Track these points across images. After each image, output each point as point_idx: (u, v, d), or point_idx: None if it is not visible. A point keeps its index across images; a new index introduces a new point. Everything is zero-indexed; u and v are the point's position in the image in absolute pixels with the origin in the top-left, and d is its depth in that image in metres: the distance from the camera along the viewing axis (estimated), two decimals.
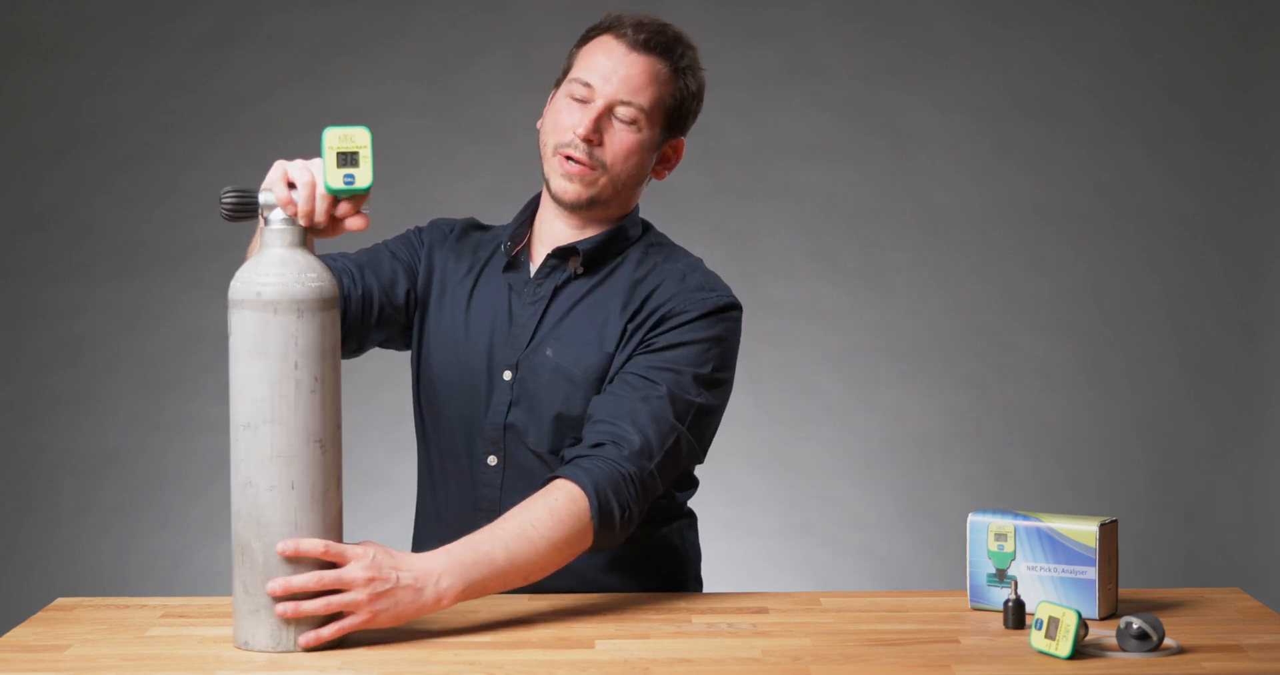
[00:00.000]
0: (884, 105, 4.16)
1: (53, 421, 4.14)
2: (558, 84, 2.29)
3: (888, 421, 4.18)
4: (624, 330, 2.22)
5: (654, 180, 2.30)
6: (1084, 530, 2.01)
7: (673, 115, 2.25)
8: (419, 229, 2.38)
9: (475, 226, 2.38)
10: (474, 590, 1.98)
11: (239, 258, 1.98)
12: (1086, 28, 4.13)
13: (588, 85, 2.21)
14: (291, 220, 1.93)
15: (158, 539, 4.13)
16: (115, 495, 4.14)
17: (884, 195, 4.17)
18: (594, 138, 2.20)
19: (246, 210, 1.92)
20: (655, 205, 4.17)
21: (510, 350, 2.25)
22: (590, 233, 2.27)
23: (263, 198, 1.92)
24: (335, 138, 1.91)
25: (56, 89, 4.11)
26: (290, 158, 1.97)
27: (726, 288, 2.27)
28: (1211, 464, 4.15)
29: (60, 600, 2.15)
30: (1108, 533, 2.02)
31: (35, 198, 4.13)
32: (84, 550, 4.13)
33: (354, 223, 1.97)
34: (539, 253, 2.29)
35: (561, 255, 2.26)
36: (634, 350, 2.20)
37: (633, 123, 2.21)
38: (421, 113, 4.14)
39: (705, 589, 2.43)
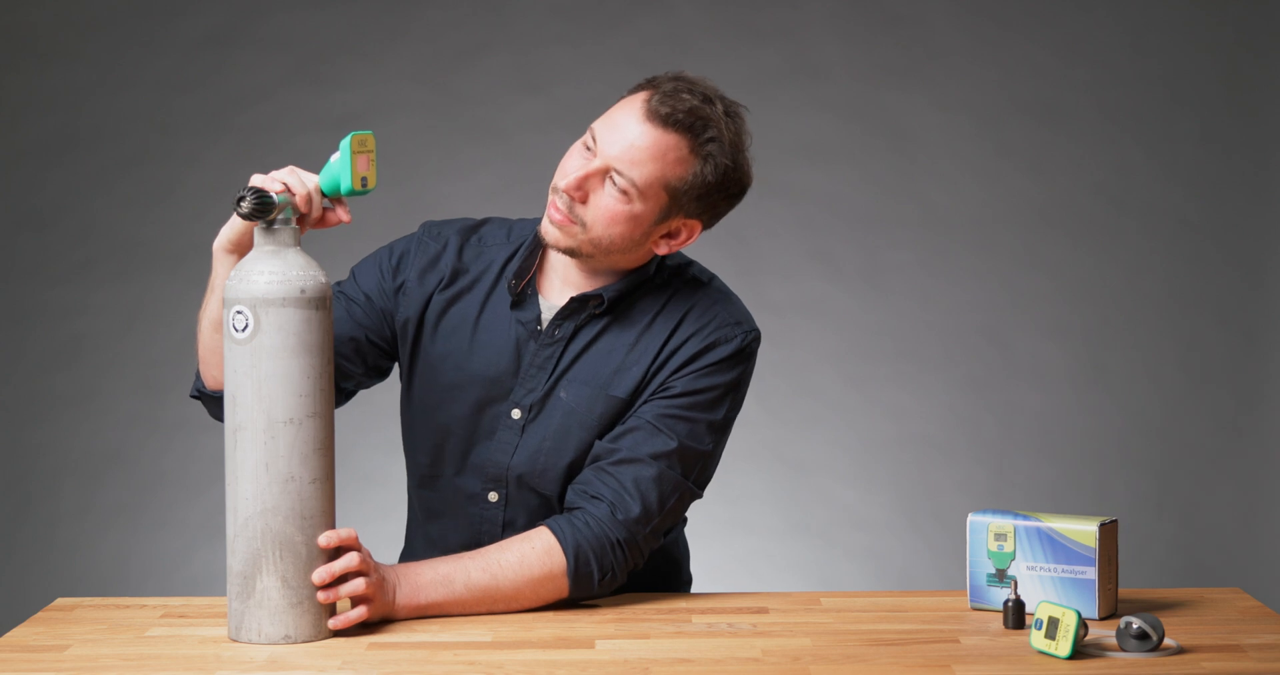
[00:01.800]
0: (884, 105, 4.16)
1: (53, 421, 4.14)
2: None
3: (888, 421, 4.18)
4: (645, 374, 2.17)
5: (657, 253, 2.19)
6: (1084, 530, 2.01)
7: (678, 195, 2.11)
8: (398, 251, 2.28)
9: (469, 231, 2.28)
10: (425, 610, 2.05)
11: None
12: (1086, 28, 4.13)
13: (595, 139, 2.11)
14: (289, 221, 1.95)
15: (158, 539, 4.13)
16: (115, 495, 4.14)
17: (884, 195, 4.17)
18: (575, 195, 2.10)
19: (266, 209, 1.93)
20: None
21: (523, 390, 2.20)
22: (598, 275, 2.19)
23: (278, 198, 1.94)
24: (356, 142, 1.97)
25: (56, 89, 4.11)
26: (290, 158, 2.00)
27: (748, 317, 2.22)
28: (1211, 464, 4.15)
29: (60, 600, 2.15)
30: (1108, 533, 2.02)
31: (35, 198, 4.13)
32: (84, 550, 4.13)
33: (343, 215, 2.03)
34: (549, 286, 2.22)
35: (582, 299, 2.19)
36: (654, 392, 2.16)
37: (623, 193, 2.09)
38: (421, 113, 4.14)
39: (704, 589, 2.43)
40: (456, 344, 2.22)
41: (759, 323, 2.26)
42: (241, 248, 2.04)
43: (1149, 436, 4.15)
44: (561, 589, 2.09)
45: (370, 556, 2.01)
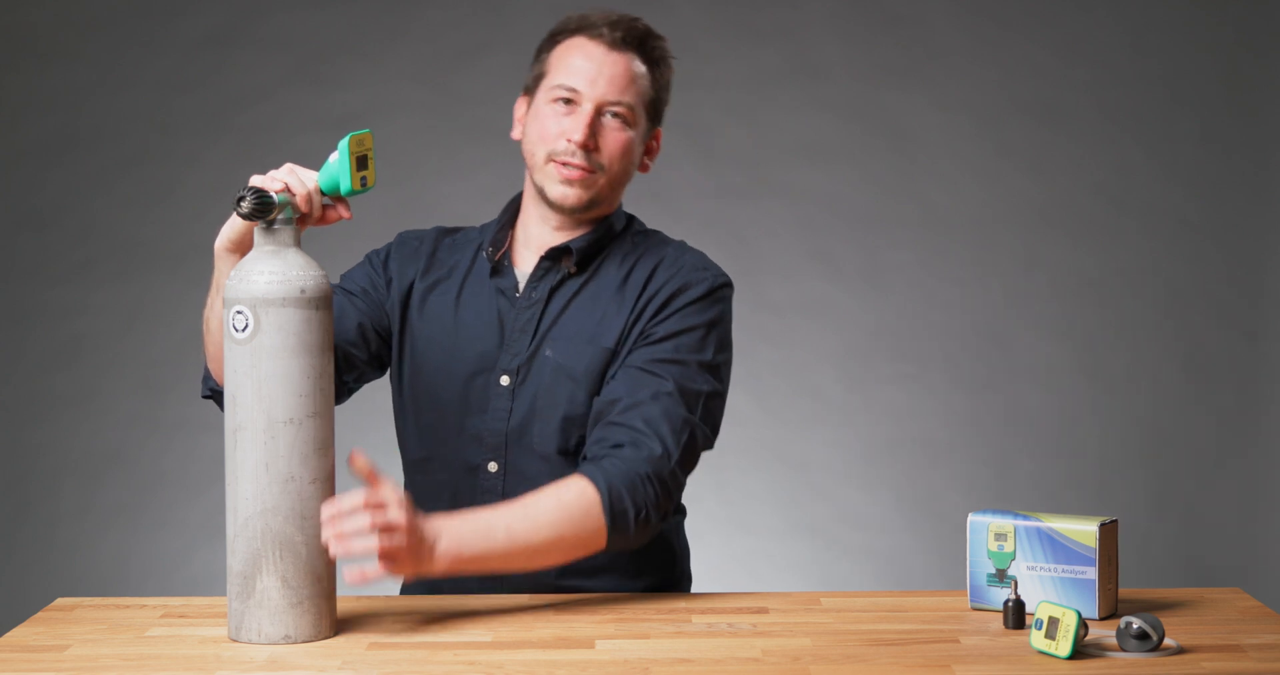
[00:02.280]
0: (884, 105, 4.16)
1: (53, 421, 4.14)
2: (527, 91, 2.29)
3: (888, 421, 4.18)
4: (625, 325, 2.22)
5: (639, 174, 2.30)
6: (1084, 530, 2.01)
7: (653, 108, 2.28)
8: (384, 251, 2.36)
9: (445, 233, 2.37)
10: (468, 563, 2.00)
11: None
12: (1086, 28, 4.13)
13: (572, 90, 2.22)
14: (290, 220, 1.95)
15: (158, 539, 4.13)
16: (115, 495, 4.14)
17: (884, 195, 4.17)
18: (591, 143, 2.20)
19: (267, 209, 1.93)
20: (655, 205, 4.18)
21: (509, 355, 2.24)
22: (574, 233, 2.27)
23: (278, 198, 1.94)
24: (354, 143, 1.98)
25: (56, 89, 4.12)
26: (290, 158, 2.00)
27: (716, 266, 2.29)
28: (1211, 464, 4.15)
29: (60, 600, 2.15)
30: (1108, 533, 2.02)
31: (35, 198, 4.13)
32: (84, 550, 4.13)
33: (344, 211, 2.03)
34: (522, 257, 2.29)
35: (554, 257, 2.26)
36: (636, 341, 2.20)
37: (624, 121, 2.23)
38: (421, 113, 4.14)
39: (703, 588, 2.43)
40: (441, 325, 2.27)
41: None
42: (243, 247, 2.04)
43: (1149, 436, 4.15)
44: (600, 529, 2.06)
45: (408, 506, 1.94)
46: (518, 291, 2.26)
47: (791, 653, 1.89)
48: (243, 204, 1.92)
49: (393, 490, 1.96)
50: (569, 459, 2.22)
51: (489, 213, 2.47)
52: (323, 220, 2.03)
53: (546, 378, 2.22)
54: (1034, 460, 4.16)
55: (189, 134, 4.13)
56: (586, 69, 2.22)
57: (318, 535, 1.93)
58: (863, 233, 4.17)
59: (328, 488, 1.95)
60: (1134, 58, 4.13)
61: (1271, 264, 4.12)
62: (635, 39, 2.25)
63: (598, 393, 2.20)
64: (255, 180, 1.98)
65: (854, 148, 4.17)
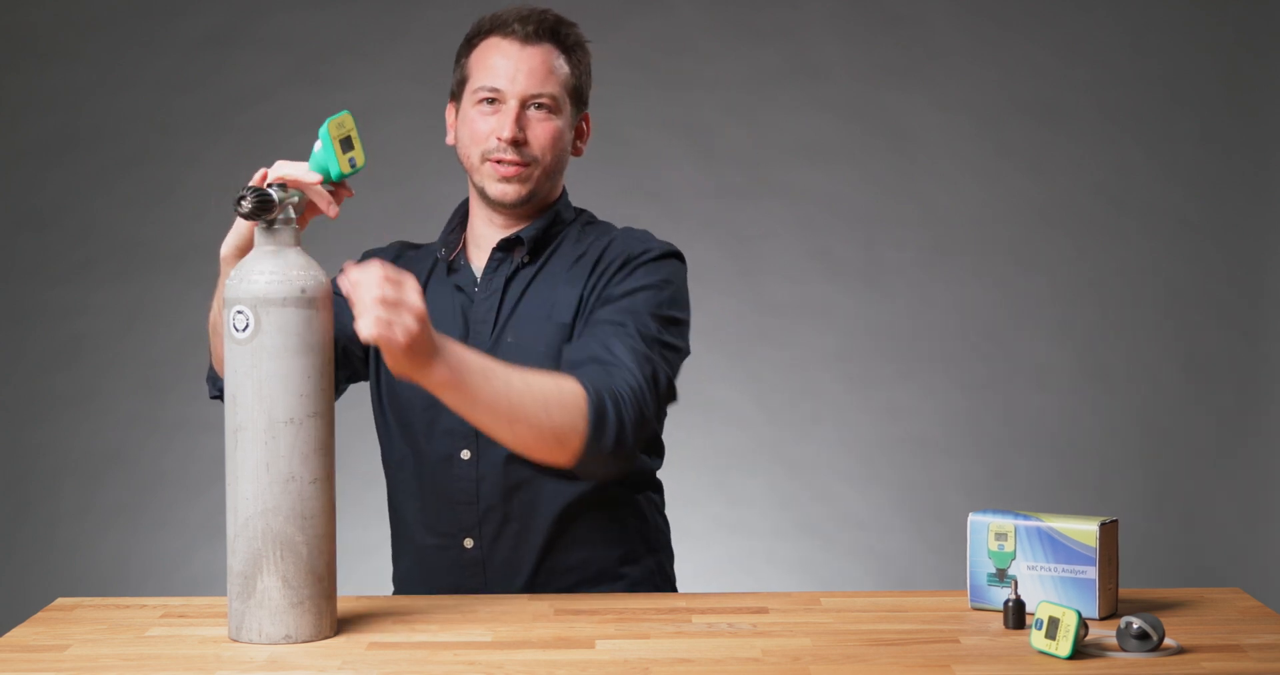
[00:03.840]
0: (884, 105, 4.16)
1: (53, 421, 4.14)
2: (453, 97, 2.34)
3: (888, 421, 4.18)
4: (581, 296, 2.27)
5: (574, 158, 2.34)
6: (1084, 530, 2.01)
7: (576, 93, 2.31)
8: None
9: (407, 247, 2.43)
10: (454, 389, 1.97)
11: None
12: (1086, 28, 4.13)
13: (494, 90, 2.27)
14: (290, 220, 1.95)
15: (158, 539, 4.13)
16: (115, 495, 4.14)
17: (884, 195, 4.17)
18: (520, 137, 2.25)
19: (267, 209, 1.93)
20: (655, 205, 4.18)
21: (473, 346, 2.25)
22: (522, 226, 2.33)
23: (278, 197, 1.94)
24: (334, 127, 1.98)
25: (56, 89, 4.12)
26: (289, 158, 2.00)
27: (660, 241, 2.33)
28: (1211, 464, 4.15)
29: (60, 600, 2.15)
30: (1108, 533, 2.02)
31: (35, 198, 4.13)
32: (84, 550, 4.13)
33: (344, 191, 2.03)
34: (475, 255, 2.35)
35: (506, 247, 2.32)
36: (593, 305, 2.25)
37: (549, 111, 2.27)
38: (421, 113, 4.14)
39: (704, 589, 2.43)
40: None
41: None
42: (247, 251, 2.05)
43: (1149, 436, 4.15)
44: (580, 428, 2.05)
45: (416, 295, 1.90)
46: (475, 286, 2.32)
47: (791, 653, 1.89)
48: (243, 204, 1.92)
49: (414, 281, 1.94)
50: None
51: None
52: (331, 205, 2.01)
53: (511, 362, 2.23)
54: (1034, 460, 4.16)
55: (189, 134, 4.13)
56: (505, 67, 2.27)
57: (318, 535, 1.93)
58: (863, 233, 4.17)
59: (328, 487, 1.95)
60: (1134, 58, 4.13)
61: (1271, 264, 4.12)
62: (547, 30, 2.29)
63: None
64: (253, 181, 1.98)
65: (854, 148, 4.17)
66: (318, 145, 2.01)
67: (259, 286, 1.91)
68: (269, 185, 1.96)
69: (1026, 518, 2.04)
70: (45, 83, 4.11)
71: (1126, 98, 4.14)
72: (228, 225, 2.11)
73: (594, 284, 2.27)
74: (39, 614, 2.08)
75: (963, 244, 4.17)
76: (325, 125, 1.98)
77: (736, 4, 4.16)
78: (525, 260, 2.31)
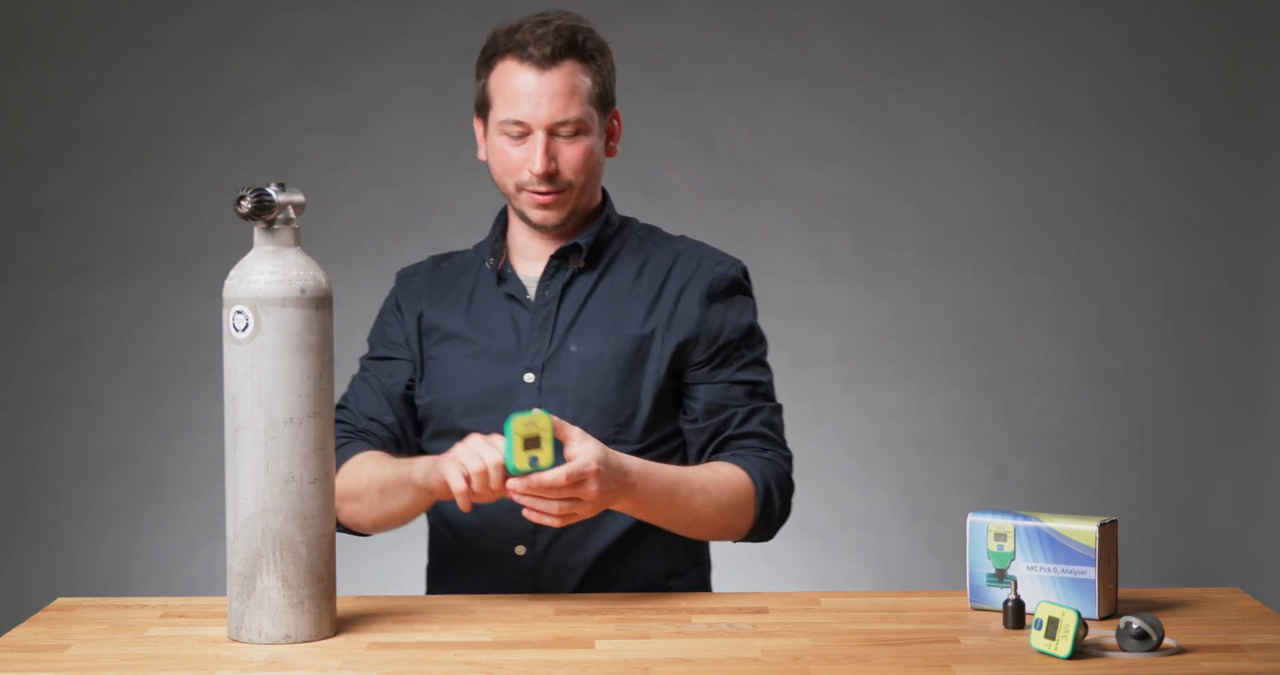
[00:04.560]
0: (884, 105, 4.16)
1: (53, 421, 4.14)
2: (479, 112, 2.31)
3: (888, 421, 4.18)
4: (651, 307, 2.28)
5: (609, 159, 2.34)
6: (1084, 530, 2.01)
7: (602, 99, 2.28)
8: (391, 298, 2.40)
9: (439, 260, 2.42)
10: (635, 514, 2.12)
11: (239, 257, 1.98)
12: (1086, 28, 4.13)
13: (518, 122, 2.23)
14: (289, 221, 1.94)
15: (158, 539, 4.13)
16: (115, 495, 4.14)
17: (884, 195, 4.17)
18: (552, 168, 2.23)
19: (266, 209, 1.93)
20: (655, 204, 4.18)
21: (530, 353, 2.28)
22: (565, 235, 2.31)
23: (276, 196, 1.94)
24: (520, 424, 1.98)
25: (56, 89, 4.11)
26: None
27: (723, 253, 2.38)
28: (1211, 464, 4.14)
29: (60, 600, 2.15)
30: (1108, 533, 2.02)
31: (35, 198, 4.13)
32: (84, 550, 4.13)
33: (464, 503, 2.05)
34: (520, 264, 2.33)
35: (562, 255, 2.30)
36: (702, 344, 2.27)
37: (577, 134, 2.24)
38: (421, 113, 4.14)
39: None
40: (459, 338, 2.32)
41: (759, 322, 2.35)
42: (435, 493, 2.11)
43: (1149, 436, 4.15)
44: (749, 520, 2.22)
45: (602, 457, 2.02)
46: (527, 294, 2.31)
47: (791, 653, 1.89)
48: (242, 203, 1.92)
49: (591, 451, 2.01)
50: None
51: (488, 212, 2.47)
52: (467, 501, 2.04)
53: (574, 371, 2.26)
54: (1034, 460, 4.16)
55: (189, 134, 4.13)
56: (526, 97, 2.23)
57: (318, 535, 1.93)
58: (863, 233, 4.17)
59: (327, 487, 1.95)
60: (1134, 58, 4.13)
61: (1271, 264, 4.12)
62: (564, 46, 2.24)
63: (627, 380, 2.25)
64: (456, 478, 2.01)
65: (854, 148, 4.17)
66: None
67: (259, 286, 1.91)
68: (267, 191, 1.94)
69: (1026, 518, 2.04)
70: (45, 83, 4.11)
71: (1126, 98, 4.14)
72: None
73: (679, 304, 2.29)
74: (39, 614, 2.08)
75: (963, 244, 4.17)
76: (510, 420, 1.98)
77: (736, 4, 4.16)
78: (581, 266, 2.30)
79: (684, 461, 2.29)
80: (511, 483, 1.98)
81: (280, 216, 1.95)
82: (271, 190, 1.94)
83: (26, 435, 4.14)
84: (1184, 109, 4.13)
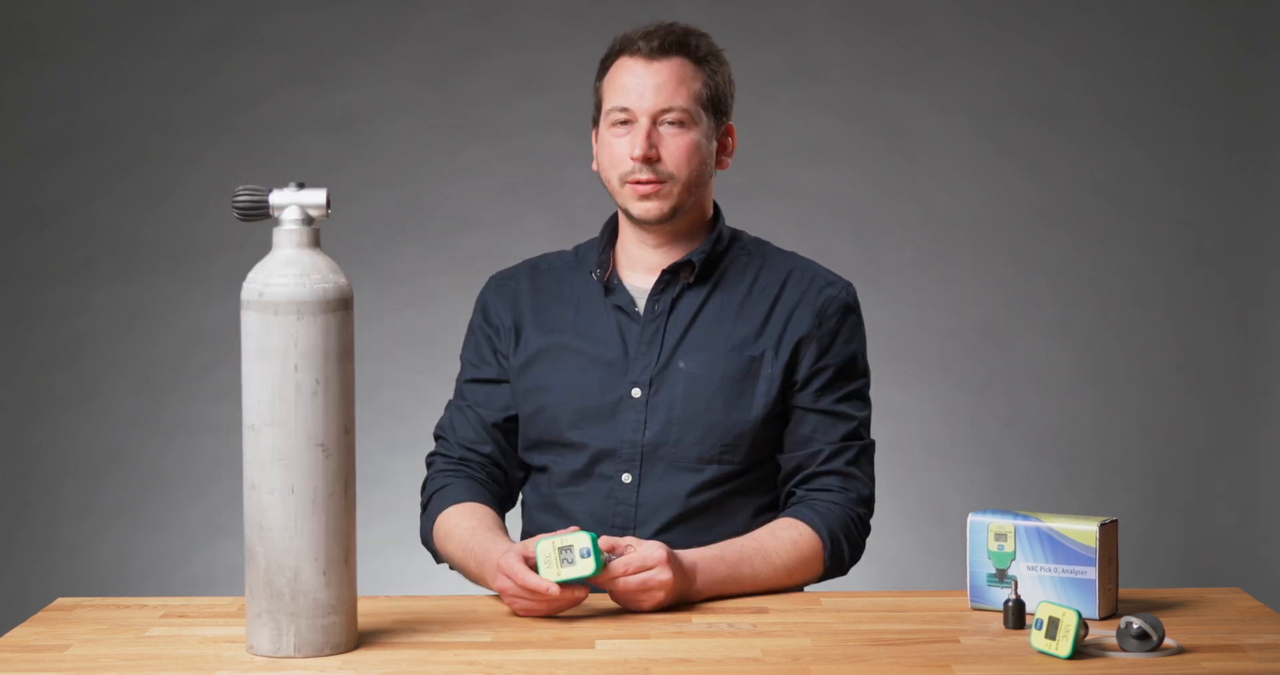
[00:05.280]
0: (884, 105, 4.16)
1: (53, 421, 4.14)
2: (595, 122, 2.32)
3: (887, 422, 4.17)
4: (760, 328, 2.28)
5: (719, 172, 2.34)
6: (1084, 530, 2.01)
7: (714, 103, 2.30)
8: (480, 304, 2.38)
9: (534, 266, 2.39)
10: (714, 593, 2.14)
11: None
12: (1086, 28, 4.13)
13: (624, 110, 2.25)
14: (304, 220, 1.92)
15: (158, 539, 4.13)
16: (115, 495, 4.13)
17: (884, 195, 4.17)
18: (652, 154, 2.23)
19: (259, 210, 1.91)
20: None
21: (638, 367, 2.27)
22: (675, 247, 2.31)
23: (273, 198, 1.92)
24: (552, 548, 2.01)
25: (56, 89, 4.11)
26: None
27: (834, 273, 2.41)
28: (1211, 464, 4.14)
29: (60, 600, 2.15)
30: (1108, 533, 2.01)
31: (35, 198, 4.13)
32: (84, 550, 4.12)
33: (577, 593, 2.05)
34: (629, 275, 2.32)
35: (674, 270, 2.30)
36: (807, 368, 2.28)
37: (681, 125, 2.26)
38: (421, 113, 4.14)
39: None
40: (563, 347, 2.31)
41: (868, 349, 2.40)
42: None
43: (1149, 436, 4.15)
44: (818, 572, 2.23)
45: (667, 557, 2.05)
46: (635, 306, 2.30)
47: (791, 653, 1.89)
48: (237, 203, 1.91)
49: (654, 550, 2.04)
50: (706, 467, 2.26)
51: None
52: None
53: (681, 388, 2.25)
54: (1033, 460, 4.16)
55: (189, 134, 4.13)
56: (633, 85, 2.25)
57: (329, 544, 1.90)
58: (863, 233, 4.17)
59: (344, 499, 1.91)
60: (1134, 58, 4.13)
61: (1271, 264, 4.12)
62: (674, 43, 2.27)
63: (736, 401, 2.25)
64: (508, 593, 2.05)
65: (854, 148, 4.17)
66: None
67: (271, 288, 1.88)
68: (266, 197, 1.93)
69: (1026, 518, 2.04)
70: (45, 83, 4.11)
71: (1126, 98, 4.14)
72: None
73: (788, 326, 2.30)
74: (39, 614, 2.08)
75: (963, 244, 4.17)
76: (539, 544, 2.01)
77: (736, 4, 4.15)
78: (690, 280, 2.30)
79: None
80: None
81: (299, 217, 1.91)
82: (269, 190, 1.91)
83: (26, 435, 4.14)
84: (1184, 109, 4.13)
